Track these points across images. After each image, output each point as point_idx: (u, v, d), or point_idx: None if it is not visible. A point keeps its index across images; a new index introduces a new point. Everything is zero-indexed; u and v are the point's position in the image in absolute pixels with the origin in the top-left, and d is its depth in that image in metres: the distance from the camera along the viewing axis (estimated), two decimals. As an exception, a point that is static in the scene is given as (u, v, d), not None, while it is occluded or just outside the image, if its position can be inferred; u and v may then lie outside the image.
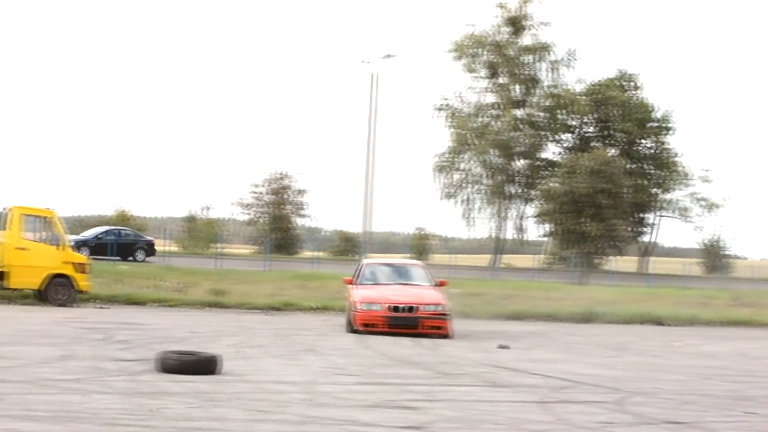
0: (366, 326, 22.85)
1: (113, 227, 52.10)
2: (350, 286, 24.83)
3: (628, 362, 19.45)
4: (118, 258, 47.37)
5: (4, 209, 29.20)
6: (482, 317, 30.78)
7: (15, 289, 28.55)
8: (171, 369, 14.01)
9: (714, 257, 76.93)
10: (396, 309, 23.04)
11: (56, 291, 28.12)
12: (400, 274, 25.54)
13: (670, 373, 17.58)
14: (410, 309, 23.05)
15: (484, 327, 27.54)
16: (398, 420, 11.06)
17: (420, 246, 71.13)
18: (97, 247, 47.14)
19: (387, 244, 79.66)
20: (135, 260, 48.90)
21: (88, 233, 50.98)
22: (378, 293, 23.74)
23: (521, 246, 77.25)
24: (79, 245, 44.38)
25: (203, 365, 14.13)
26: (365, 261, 26.92)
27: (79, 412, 10.62)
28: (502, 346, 21.31)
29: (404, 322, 22.91)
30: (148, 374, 13.92)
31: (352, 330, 23.16)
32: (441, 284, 25.12)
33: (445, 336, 22.82)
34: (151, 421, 10.32)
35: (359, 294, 23.77)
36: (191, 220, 67.42)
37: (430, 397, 13.09)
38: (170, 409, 11.08)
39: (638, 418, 12.13)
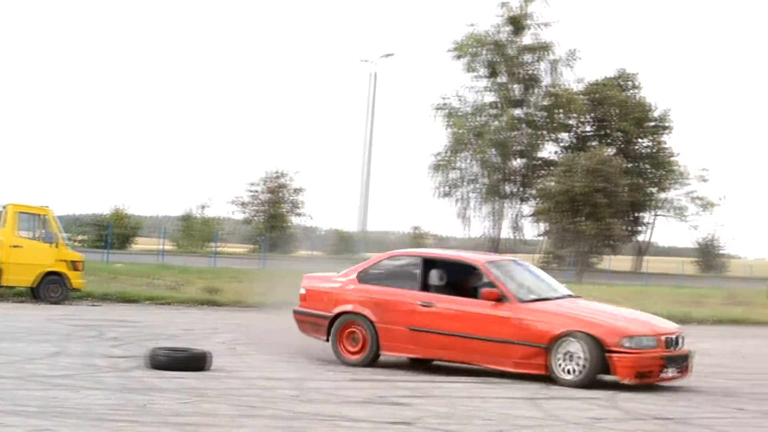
0: (642, 376, 14.66)
1: None
2: (488, 304, 15.32)
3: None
4: None
5: (1, 207, 29.18)
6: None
7: (9, 287, 28.54)
8: (161, 365, 14.01)
9: (709, 256, 77.14)
10: (670, 344, 15.13)
11: (50, 289, 28.11)
12: (540, 281, 16.67)
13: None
14: (676, 342, 15.29)
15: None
16: (387, 416, 11.07)
17: (416, 245, 70.98)
18: None
19: (383, 243, 79.58)
20: None
21: None
22: (633, 319, 15.58)
23: (518, 245, 77.37)
24: None
25: (193, 361, 14.14)
26: (469, 258, 16.55)
27: (68, 407, 10.63)
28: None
29: (676, 365, 15.15)
30: (139, 371, 13.92)
31: (587, 382, 14.44)
32: None
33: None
34: (140, 416, 10.33)
35: (587, 318, 15.02)
36: (187, 218, 67.39)
37: (421, 393, 13.10)
38: (160, 405, 11.08)
39: (628, 414, 12.16)
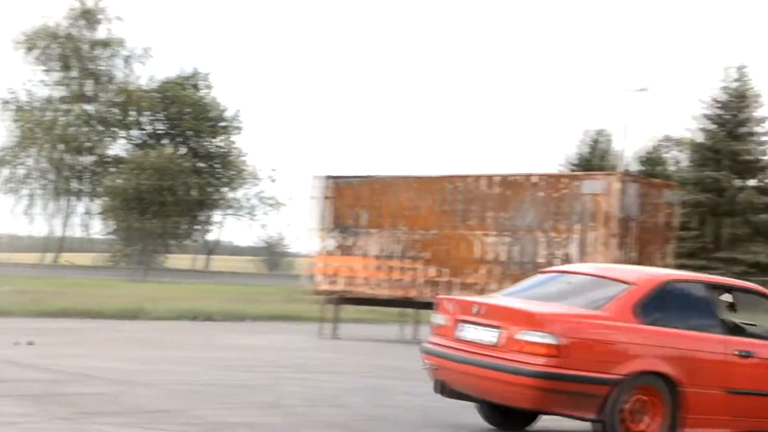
0: None
1: None
2: None
3: (151, 356, 19.45)
4: None
5: None
6: (27, 315, 29.90)
7: None
8: None
9: (275, 255, 79.43)
10: None
11: None
12: None
13: (188, 365, 17.80)
14: None
15: (25, 324, 26.72)
16: None
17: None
18: None
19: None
20: None
21: None
22: None
23: (86, 243, 76.17)
24: None
25: None
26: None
27: None
28: (28, 343, 20.79)
29: None
30: None
31: None
32: None
33: None
34: None
35: None
36: None
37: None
38: None
39: (135, 407, 12.30)
